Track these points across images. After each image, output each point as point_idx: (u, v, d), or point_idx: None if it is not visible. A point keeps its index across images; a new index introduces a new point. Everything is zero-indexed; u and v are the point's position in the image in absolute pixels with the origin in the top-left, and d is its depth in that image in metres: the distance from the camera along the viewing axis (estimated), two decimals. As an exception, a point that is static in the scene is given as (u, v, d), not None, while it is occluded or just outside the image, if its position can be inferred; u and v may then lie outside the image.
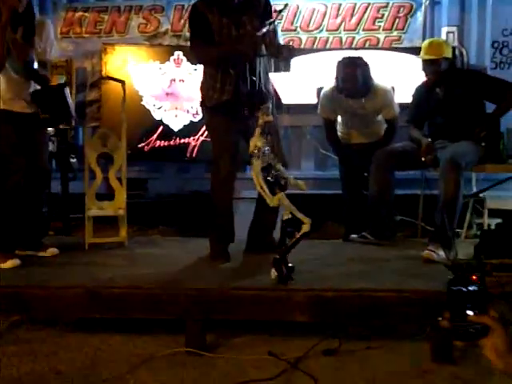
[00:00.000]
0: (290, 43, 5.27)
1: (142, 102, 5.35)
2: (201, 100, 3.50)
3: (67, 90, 3.56)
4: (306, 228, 2.85)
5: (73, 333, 2.97)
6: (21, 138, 3.32)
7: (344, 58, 4.12)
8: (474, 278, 1.25)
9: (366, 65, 4.09)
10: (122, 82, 3.89)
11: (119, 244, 3.72)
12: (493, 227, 4.88)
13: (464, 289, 1.24)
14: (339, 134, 4.35)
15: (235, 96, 3.29)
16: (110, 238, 3.77)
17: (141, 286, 2.84)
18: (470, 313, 1.22)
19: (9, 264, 3.22)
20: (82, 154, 3.80)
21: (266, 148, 3.00)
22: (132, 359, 2.67)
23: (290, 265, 2.87)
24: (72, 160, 4.83)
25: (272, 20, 3.25)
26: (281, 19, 3.36)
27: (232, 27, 3.29)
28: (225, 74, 3.29)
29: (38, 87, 3.40)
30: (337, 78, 4.10)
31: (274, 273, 2.85)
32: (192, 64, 4.95)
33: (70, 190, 4.81)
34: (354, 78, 4.02)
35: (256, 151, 2.96)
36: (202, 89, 3.45)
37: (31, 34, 3.29)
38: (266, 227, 3.55)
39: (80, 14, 5.56)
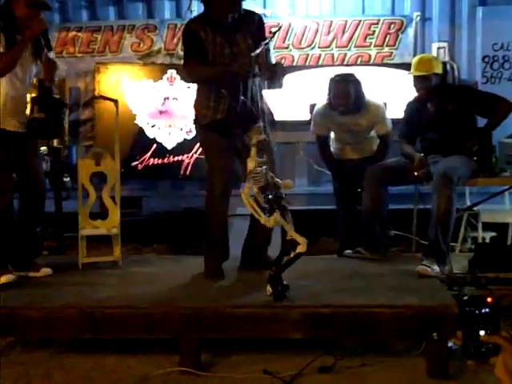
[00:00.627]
0: (282, 61, 5.31)
1: (136, 121, 5.37)
2: (194, 118, 3.51)
3: (66, 111, 3.59)
4: (301, 248, 2.83)
5: (67, 354, 2.95)
6: (14, 158, 3.32)
7: (336, 76, 4.15)
8: (488, 300, 1.30)
9: (357, 81, 4.11)
10: (115, 101, 3.90)
11: (113, 263, 3.70)
12: (487, 241, 4.90)
13: (477, 311, 1.28)
14: (332, 149, 4.36)
15: (229, 115, 3.29)
16: (104, 258, 3.74)
17: (135, 305, 2.83)
18: (482, 333, 1.27)
19: (3, 279, 3.21)
20: (76, 172, 3.79)
21: (264, 167, 3.00)
22: (126, 380, 2.66)
23: (284, 283, 2.86)
24: (65, 179, 4.83)
25: (267, 41, 3.26)
26: (272, 37, 3.34)
27: (225, 45, 3.30)
28: (218, 93, 3.29)
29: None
30: (329, 95, 4.12)
31: (269, 289, 2.84)
32: (185, 82, 4.97)
33: (64, 208, 4.80)
34: (346, 95, 4.04)
35: (252, 171, 2.96)
36: (196, 107, 3.45)
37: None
38: (260, 244, 3.54)
39: (73, 33, 5.60)
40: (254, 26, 3.36)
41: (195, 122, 3.53)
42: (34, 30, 3.25)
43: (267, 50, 3.33)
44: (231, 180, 3.39)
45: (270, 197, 2.94)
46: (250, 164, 2.99)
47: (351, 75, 4.15)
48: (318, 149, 4.39)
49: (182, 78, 5.28)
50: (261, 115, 3.31)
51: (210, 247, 3.45)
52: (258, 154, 3.01)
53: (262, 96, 3.44)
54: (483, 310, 1.29)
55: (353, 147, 4.28)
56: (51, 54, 3.47)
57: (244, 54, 3.24)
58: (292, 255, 2.84)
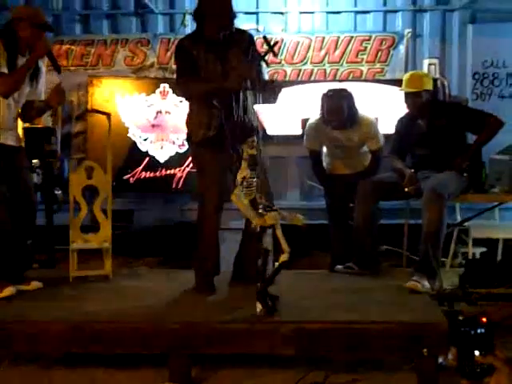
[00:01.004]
0: (275, 76, 5.35)
1: (128, 134, 5.38)
2: (187, 135, 3.52)
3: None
4: (284, 257, 2.84)
5: (56, 368, 2.93)
6: (5, 171, 3.32)
7: (329, 91, 4.17)
8: (483, 320, 1.31)
9: (351, 96, 4.13)
10: (108, 115, 3.91)
11: (104, 277, 3.69)
12: (477, 256, 4.92)
13: (472, 331, 1.29)
14: (324, 164, 4.38)
15: (221, 131, 3.31)
16: (95, 271, 3.73)
17: (125, 320, 2.82)
18: (477, 353, 1.27)
19: (6, 292, 3.21)
20: (67, 185, 3.79)
21: (254, 179, 3.01)
22: (116, 395, 2.64)
23: (272, 294, 2.86)
24: (57, 192, 4.82)
25: (263, 56, 3.28)
26: (270, 54, 3.33)
27: (217, 62, 3.32)
28: (211, 110, 3.31)
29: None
30: (322, 109, 4.14)
31: (258, 306, 2.84)
32: (177, 96, 4.99)
33: (55, 221, 4.79)
34: (339, 109, 4.06)
35: (244, 182, 2.97)
36: (188, 124, 3.46)
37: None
38: (252, 258, 3.53)
39: (66, 46, 5.62)
40: (244, 43, 3.39)
41: (188, 138, 3.54)
42: (39, 51, 3.29)
43: (260, 66, 3.36)
44: (223, 196, 3.40)
45: (260, 211, 2.95)
46: (240, 175, 3.00)
47: (344, 90, 4.18)
48: (311, 163, 4.40)
49: (174, 92, 5.30)
50: (253, 129, 3.34)
51: (201, 262, 3.45)
52: (250, 168, 3.02)
53: (253, 111, 3.46)
54: (478, 331, 1.30)
55: (345, 162, 4.30)
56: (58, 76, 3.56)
57: (236, 71, 3.26)
58: (276, 265, 2.85)
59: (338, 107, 4.06)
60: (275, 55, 3.43)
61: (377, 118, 4.41)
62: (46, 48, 3.34)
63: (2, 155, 3.31)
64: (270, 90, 3.34)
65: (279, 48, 5.34)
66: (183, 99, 5.24)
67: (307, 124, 4.33)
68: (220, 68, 3.32)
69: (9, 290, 3.22)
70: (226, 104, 3.28)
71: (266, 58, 3.28)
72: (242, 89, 3.27)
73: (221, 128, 3.31)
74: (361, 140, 4.19)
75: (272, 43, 3.30)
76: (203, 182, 3.42)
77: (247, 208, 2.94)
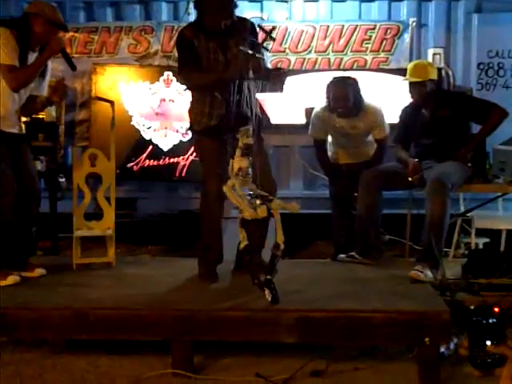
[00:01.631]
0: (279, 65, 5.33)
1: (132, 122, 5.37)
2: (190, 124, 3.54)
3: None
4: (279, 247, 2.89)
5: (59, 354, 2.96)
6: (9, 159, 3.33)
7: (335, 78, 4.17)
8: (495, 310, 1.30)
9: (357, 84, 4.13)
10: (111, 103, 3.90)
11: (107, 264, 3.70)
12: (480, 247, 4.92)
13: (484, 321, 1.29)
14: (329, 153, 4.38)
15: (222, 120, 3.32)
16: (98, 259, 3.75)
17: (128, 307, 2.83)
18: (488, 343, 1.27)
19: (10, 280, 3.22)
20: (71, 173, 3.79)
21: (250, 169, 3.01)
22: (118, 381, 2.66)
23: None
24: (61, 179, 4.83)
25: (262, 43, 3.27)
26: (269, 41, 3.34)
27: (219, 52, 3.31)
28: (213, 99, 3.32)
29: None
30: (328, 98, 4.13)
31: (268, 293, 2.84)
32: (181, 85, 4.98)
33: (59, 209, 4.80)
34: (345, 97, 4.05)
35: (240, 172, 2.97)
36: (191, 113, 3.47)
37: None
38: (254, 248, 3.53)
39: (70, 34, 5.59)
40: (246, 32, 3.38)
41: (190, 127, 3.56)
42: (52, 48, 3.29)
43: (261, 53, 3.34)
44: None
45: (257, 196, 2.94)
46: (237, 164, 3.00)
47: (350, 78, 4.18)
48: (316, 152, 4.40)
49: (178, 80, 5.29)
50: (252, 119, 3.31)
51: (204, 250, 3.46)
52: (244, 157, 3.01)
53: (254, 100, 3.44)
54: (490, 320, 1.29)
55: (350, 151, 4.29)
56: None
57: (235, 60, 3.24)
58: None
59: (344, 94, 4.05)
60: (273, 39, 3.47)
61: (380, 108, 4.38)
62: (60, 46, 3.33)
63: (6, 143, 3.32)
64: (275, 78, 3.32)
65: (276, 34, 5.29)
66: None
67: (313, 113, 4.32)
68: (222, 57, 3.31)
69: (13, 278, 3.24)
70: (227, 92, 3.28)
71: (265, 44, 3.28)
72: (241, 78, 3.26)
73: (222, 117, 3.32)
74: (366, 128, 4.18)
75: (269, 30, 3.30)
76: (205, 171, 3.43)
77: (239, 199, 2.92)
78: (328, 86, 4.15)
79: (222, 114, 3.32)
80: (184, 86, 5.13)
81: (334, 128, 4.21)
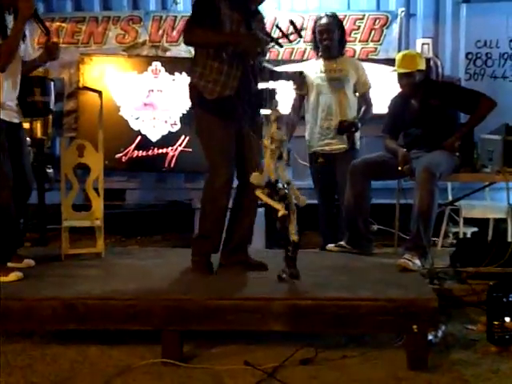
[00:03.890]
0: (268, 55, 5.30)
1: (120, 113, 5.35)
2: (196, 96, 3.23)
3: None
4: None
5: (48, 345, 2.95)
6: (9, 149, 3.28)
7: (322, 14, 4.33)
8: None
9: (342, 24, 4.36)
10: (99, 93, 3.88)
11: (96, 255, 3.69)
12: (468, 236, 4.97)
13: (504, 298, 1.30)
14: (306, 137, 4.41)
15: (238, 93, 3.15)
16: (87, 249, 3.73)
17: (117, 297, 2.83)
18: (507, 320, 1.28)
19: (13, 277, 3.16)
20: (59, 164, 3.77)
21: (284, 139, 2.99)
22: (108, 371, 2.66)
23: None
24: (49, 170, 4.80)
25: (286, 35, 3.33)
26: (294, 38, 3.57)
27: (242, 24, 3.17)
28: (230, 69, 3.14)
29: None
30: (313, 33, 4.28)
31: (284, 271, 2.98)
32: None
33: (47, 200, 4.78)
34: (330, 29, 4.21)
35: (273, 143, 2.91)
36: (200, 81, 3.19)
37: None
38: (240, 243, 3.41)
39: (57, 24, 5.55)
40: (261, 23, 3.42)
41: (195, 100, 3.26)
42: (24, 14, 3.15)
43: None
44: (233, 168, 3.23)
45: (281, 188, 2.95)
46: (268, 136, 2.93)
47: (337, 16, 4.34)
48: (291, 109, 4.40)
49: (166, 70, 5.27)
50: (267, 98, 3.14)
51: (202, 240, 3.31)
52: (279, 130, 2.95)
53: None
54: (510, 298, 1.30)
55: (328, 116, 4.25)
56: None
57: (257, 37, 3.16)
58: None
59: (329, 27, 4.21)
60: (300, 36, 3.64)
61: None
62: (30, 9, 3.17)
63: (7, 133, 3.25)
64: (297, 82, 3.45)
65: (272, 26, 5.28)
66: (176, 77, 5.26)
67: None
68: (244, 31, 3.17)
69: (15, 275, 3.20)
70: (244, 66, 3.16)
71: (281, 40, 3.34)
72: (259, 54, 3.19)
73: (238, 90, 3.15)
74: (351, 73, 4.26)
75: (299, 27, 3.40)
76: (211, 153, 3.19)
77: (274, 202, 2.91)
78: (314, 23, 4.30)
79: (237, 87, 3.14)
80: (173, 76, 5.16)
81: (318, 74, 4.26)
